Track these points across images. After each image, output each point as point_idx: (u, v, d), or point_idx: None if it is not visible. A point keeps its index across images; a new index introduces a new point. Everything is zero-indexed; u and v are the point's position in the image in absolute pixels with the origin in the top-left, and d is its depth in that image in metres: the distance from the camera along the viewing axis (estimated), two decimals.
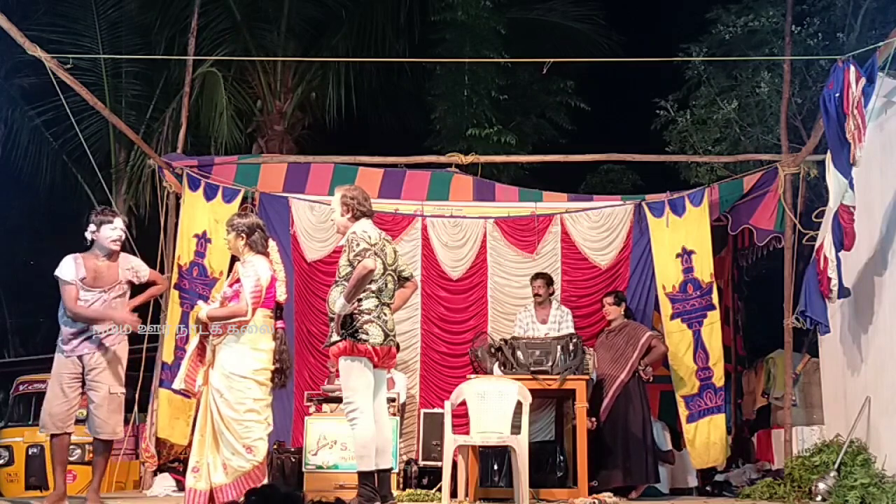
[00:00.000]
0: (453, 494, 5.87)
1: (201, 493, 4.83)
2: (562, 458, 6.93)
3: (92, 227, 5.51)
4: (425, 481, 6.79)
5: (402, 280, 5.18)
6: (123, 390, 5.50)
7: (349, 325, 4.86)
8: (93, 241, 5.53)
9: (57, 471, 5.43)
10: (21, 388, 9.57)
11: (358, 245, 4.86)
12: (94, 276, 5.43)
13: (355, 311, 4.87)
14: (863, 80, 5.15)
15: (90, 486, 5.53)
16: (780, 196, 7.18)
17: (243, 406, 4.86)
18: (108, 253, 5.52)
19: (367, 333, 4.84)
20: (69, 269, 5.39)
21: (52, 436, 5.39)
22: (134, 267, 5.64)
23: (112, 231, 5.51)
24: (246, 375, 4.88)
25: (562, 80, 12.15)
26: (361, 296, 4.86)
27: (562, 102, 12.38)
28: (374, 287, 4.89)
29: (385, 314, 4.96)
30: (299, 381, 7.45)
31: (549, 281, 7.29)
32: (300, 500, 1.92)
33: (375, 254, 4.89)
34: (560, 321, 7.16)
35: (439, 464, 6.29)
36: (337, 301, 4.84)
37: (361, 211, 5.06)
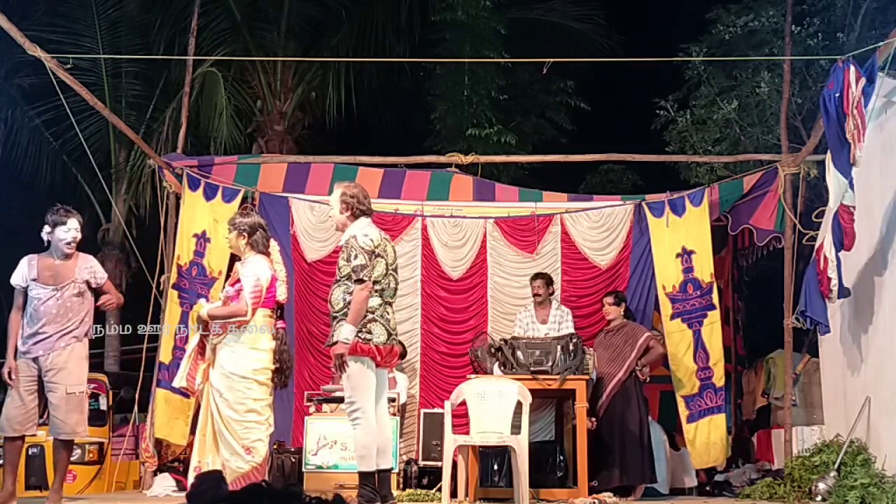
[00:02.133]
0: (453, 494, 5.87)
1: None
2: (562, 458, 6.93)
3: (47, 228, 5.42)
4: (425, 481, 6.79)
5: None
6: (83, 388, 5.39)
7: None
8: (49, 243, 5.46)
9: (7, 472, 5.37)
10: None
11: (356, 258, 4.81)
12: (49, 273, 5.36)
13: None
14: (863, 80, 5.15)
15: (52, 486, 5.49)
16: (780, 196, 7.18)
17: (243, 406, 4.86)
18: (64, 254, 5.43)
19: (371, 333, 4.83)
20: (17, 273, 5.39)
21: (6, 438, 5.33)
22: (92, 267, 5.51)
23: (66, 233, 5.41)
24: (246, 375, 4.88)
25: (562, 80, 12.15)
26: None
27: (562, 102, 12.38)
28: (377, 287, 4.88)
29: (388, 313, 4.96)
30: (299, 381, 7.45)
31: (548, 281, 7.29)
32: (297, 496, 1.88)
33: (379, 255, 4.88)
34: (560, 321, 7.16)
35: (439, 464, 6.29)
36: (343, 330, 4.75)
37: (361, 209, 5.02)
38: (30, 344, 5.30)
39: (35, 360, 5.29)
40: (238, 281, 5.01)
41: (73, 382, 5.31)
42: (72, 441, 5.45)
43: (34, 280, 5.36)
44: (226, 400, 4.85)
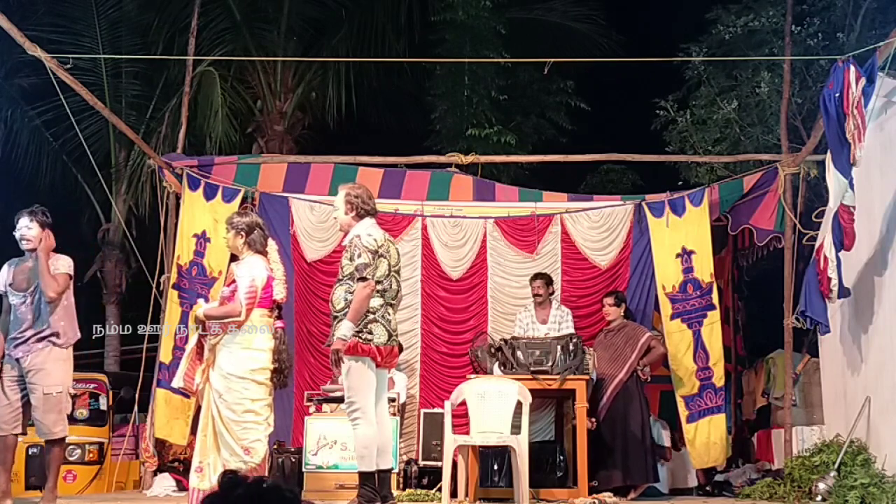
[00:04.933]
0: (453, 494, 5.87)
1: (205, 493, 4.83)
2: (562, 458, 6.93)
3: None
4: (425, 481, 6.79)
5: None
6: (61, 389, 5.38)
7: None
8: None
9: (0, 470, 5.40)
10: None
11: (360, 257, 4.83)
12: (22, 277, 5.37)
13: None
14: (863, 80, 5.15)
15: (46, 486, 5.49)
16: (780, 196, 7.18)
17: (241, 406, 4.86)
18: (30, 254, 5.40)
19: (372, 333, 4.84)
20: None
21: None
22: (56, 266, 5.44)
23: (16, 232, 5.40)
24: (243, 376, 4.88)
25: (562, 80, 12.15)
26: None
27: (562, 102, 12.37)
28: (379, 287, 4.89)
29: (389, 314, 4.96)
30: (299, 381, 7.45)
31: (548, 281, 7.29)
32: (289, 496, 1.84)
33: (381, 255, 4.89)
34: (560, 321, 7.16)
35: (439, 464, 6.29)
36: (342, 327, 4.78)
37: (365, 210, 5.04)
38: (11, 346, 5.35)
39: (18, 360, 5.33)
40: (234, 281, 5.02)
41: (50, 383, 5.32)
42: (61, 440, 5.44)
43: (10, 286, 5.39)
44: (225, 401, 4.85)
